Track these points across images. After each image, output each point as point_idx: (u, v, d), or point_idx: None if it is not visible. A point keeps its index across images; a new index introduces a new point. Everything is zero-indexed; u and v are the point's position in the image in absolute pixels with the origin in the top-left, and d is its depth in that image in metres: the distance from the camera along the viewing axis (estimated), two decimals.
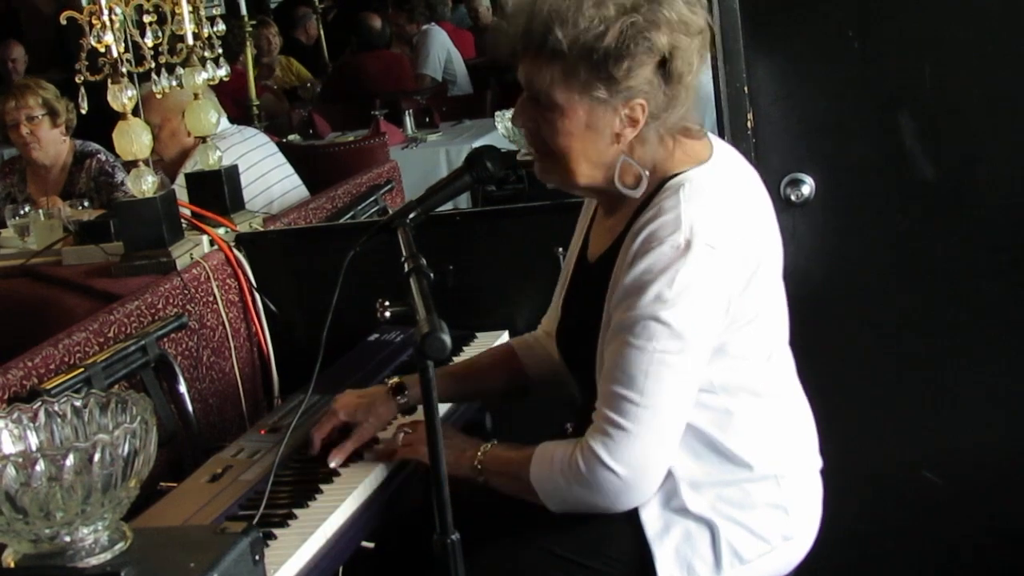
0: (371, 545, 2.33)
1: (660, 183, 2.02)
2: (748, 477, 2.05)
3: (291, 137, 6.66)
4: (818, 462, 2.20)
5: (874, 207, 2.77)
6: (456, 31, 9.17)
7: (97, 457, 1.48)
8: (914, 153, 2.69)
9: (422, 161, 6.15)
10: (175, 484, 2.24)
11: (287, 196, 4.15)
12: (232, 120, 4.39)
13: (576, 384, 2.20)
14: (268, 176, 4.14)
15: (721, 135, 2.75)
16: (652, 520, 2.02)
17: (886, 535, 2.89)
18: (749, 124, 2.74)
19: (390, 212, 3.90)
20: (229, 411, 2.96)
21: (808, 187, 2.76)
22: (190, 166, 3.78)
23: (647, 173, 2.01)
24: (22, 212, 4.08)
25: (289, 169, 4.32)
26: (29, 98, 4.64)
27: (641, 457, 1.93)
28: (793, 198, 2.76)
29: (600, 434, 1.93)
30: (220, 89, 3.62)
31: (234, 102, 6.32)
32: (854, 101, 2.73)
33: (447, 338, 1.65)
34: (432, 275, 1.84)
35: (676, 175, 2.01)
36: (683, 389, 1.95)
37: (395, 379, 2.37)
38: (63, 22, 2.88)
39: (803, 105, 2.75)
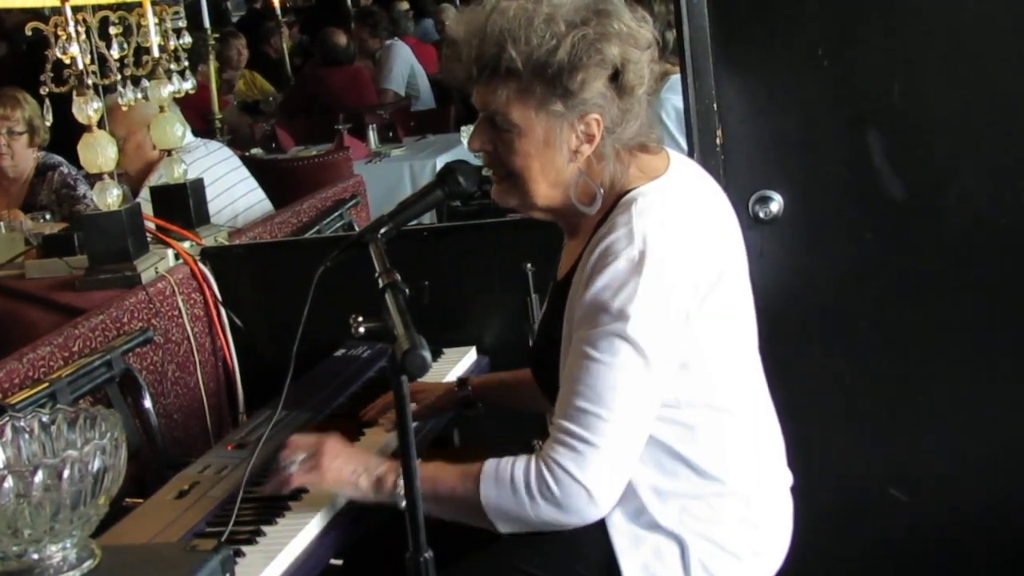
0: (339, 562, 2.31)
1: (616, 199, 2.03)
2: (716, 491, 2.05)
3: (254, 151, 6.62)
4: (788, 477, 2.20)
5: (842, 224, 2.78)
6: (419, 45, 9.18)
7: (67, 473, 1.47)
8: (882, 171, 2.70)
9: (386, 176, 6.16)
10: (141, 500, 2.21)
11: (252, 210, 4.13)
12: (195, 133, 4.36)
13: (548, 402, 2.19)
14: (233, 190, 4.11)
15: (690, 152, 2.75)
16: (621, 535, 2.01)
17: (853, 551, 2.89)
18: (718, 141, 2.75)
19: (356, 227, 3.91)
20: (194, 426, 2.94)
21: (777, 204, 2.76)
22: (155, 179, 3.76)
23: (602, 191, 2.03)
24: None
25: (253, 183, 4.30)
26: (16, 111, 4.58)
27: (609, 472, 1.92)
28: (762, 215, 2.76)
29: (568, 449, 1.91)
30: (185, 102, 3.60)
31: (199, 115, 6.28)
32: (823, 119, 2.74)
33: (428, 355, 1.64)
34: (407, 290, 1.83)
35: (630, 191, 2.02)
36: (648, 403, 1.95)
37: (461, 375, 2.60)
38: (29, 32, 2.85)
39: (772, 122, 2.76)
